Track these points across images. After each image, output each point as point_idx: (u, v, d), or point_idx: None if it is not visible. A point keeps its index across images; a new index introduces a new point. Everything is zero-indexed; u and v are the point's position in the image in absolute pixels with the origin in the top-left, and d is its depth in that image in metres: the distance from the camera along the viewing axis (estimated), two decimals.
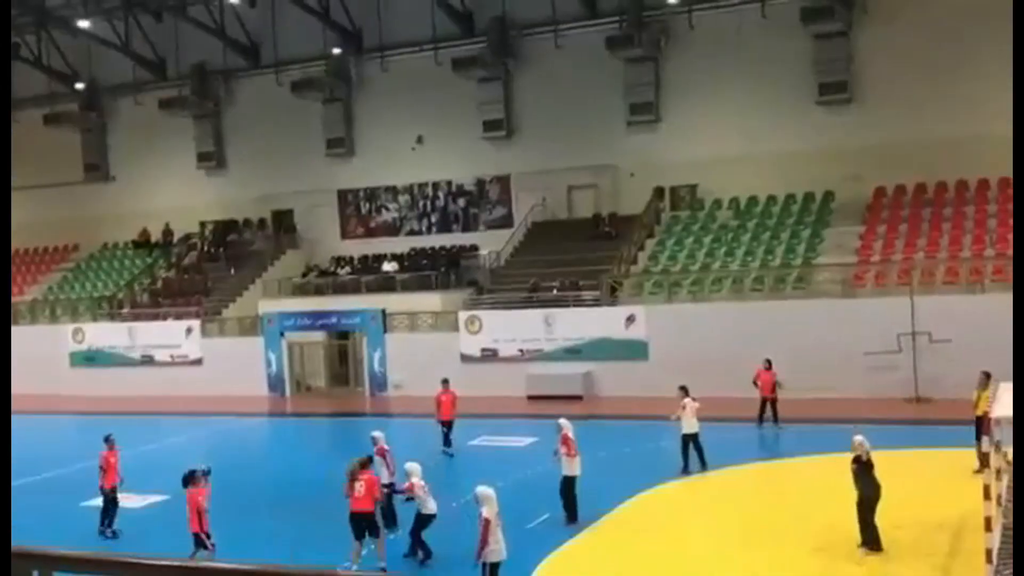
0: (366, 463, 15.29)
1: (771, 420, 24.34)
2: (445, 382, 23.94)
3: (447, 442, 23.00)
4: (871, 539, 14.24)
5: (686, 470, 20.04)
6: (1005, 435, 12.20)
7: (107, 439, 17.73)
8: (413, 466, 15.39)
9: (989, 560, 11.70)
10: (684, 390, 20.41)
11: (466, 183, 39.75)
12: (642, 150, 36.31)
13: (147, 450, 23.03)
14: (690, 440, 20.10)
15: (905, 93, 32.52)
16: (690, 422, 20.08)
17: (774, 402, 24.30)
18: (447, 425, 23.24)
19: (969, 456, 17.73)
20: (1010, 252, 28.79)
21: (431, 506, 15.02)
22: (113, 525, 17.44)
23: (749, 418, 24.40)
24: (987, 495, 11.65)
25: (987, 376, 18.76)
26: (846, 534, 14.73)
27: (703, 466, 20.07)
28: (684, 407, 20.12)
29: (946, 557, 13.98)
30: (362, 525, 14.72)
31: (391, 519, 16.29)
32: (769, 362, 24.58)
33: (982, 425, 15.95)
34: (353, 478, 14.78)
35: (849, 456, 14.68)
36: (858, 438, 14.59)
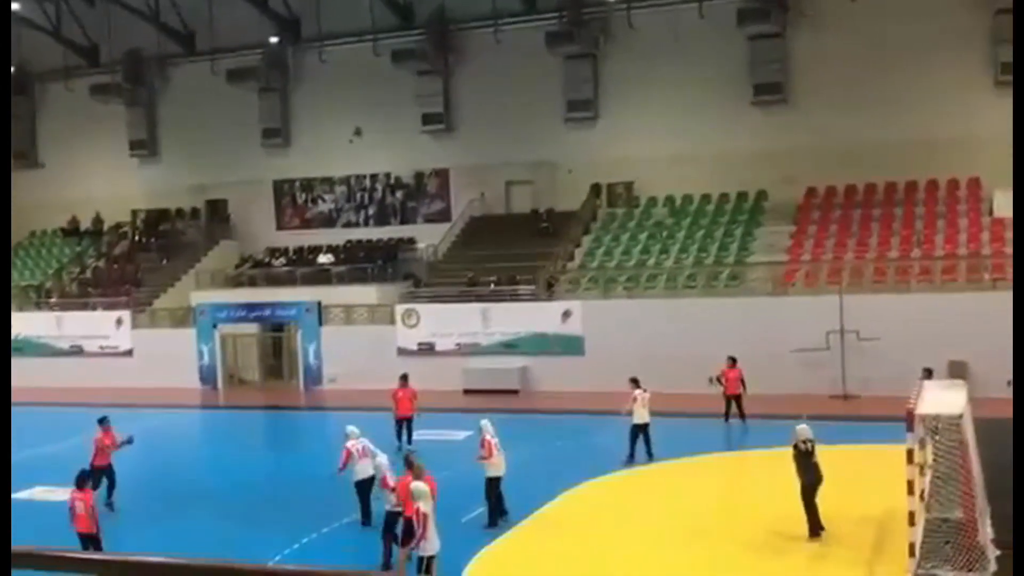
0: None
1: (738, 417, 24.16)
2: (404, 378, 23.58)
3: (409, 439, 22.71)
4: (813, 523, 14.54)
5: (631, 459, 20.41)
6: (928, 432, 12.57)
7: (101, 421, 18.53)
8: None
9: (912, 554, 12.03)
10: (635, 382, 20.84)
11: (404, 176, 39.60)
12: (580, 147, 36.51)
13: (74, 443, 22.52)
14: (640, 431, 20.51)
15: (838, 96, 33.13)
16: (641, 413, 20.53)
17: (739, 399, 24.18)
18: (406, 421, 22.89)
19: (894, 452, 18.13)
20: (936, 253, 29.63)
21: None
22: (112, 497, 17.99)
23: (683, 412, 24.61)
24: (910, 490, 11.96)
25: (928, 372, 19.38)
26: (778, 527, 15.02)
27: (650, 457, 20.51)
28: (635, 399, 20.52)
29: (872, 551, 14.33)
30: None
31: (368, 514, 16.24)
32: (733, 360, 24.41)
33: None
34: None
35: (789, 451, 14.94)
36: (801, 426, 14.87)
